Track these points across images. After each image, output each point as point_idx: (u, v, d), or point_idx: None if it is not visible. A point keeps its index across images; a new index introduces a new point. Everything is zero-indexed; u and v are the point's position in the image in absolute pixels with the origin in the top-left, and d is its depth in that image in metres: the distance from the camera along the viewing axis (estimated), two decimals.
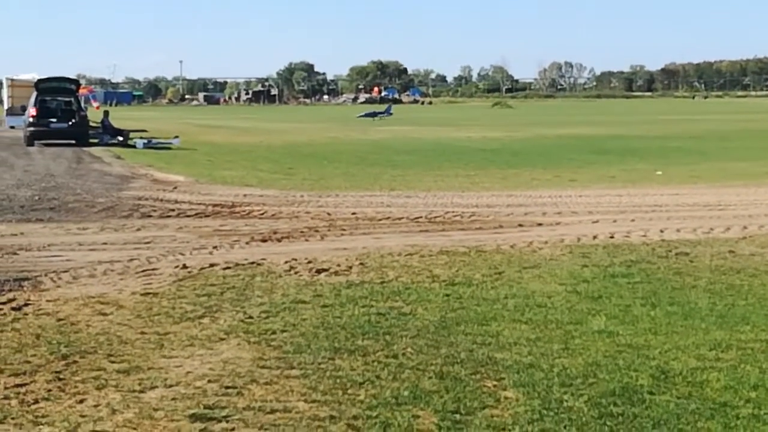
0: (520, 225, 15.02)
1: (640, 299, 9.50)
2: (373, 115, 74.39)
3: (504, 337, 8.05)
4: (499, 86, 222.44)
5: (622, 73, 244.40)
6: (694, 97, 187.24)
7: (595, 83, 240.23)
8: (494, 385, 6.79)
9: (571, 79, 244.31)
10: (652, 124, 58.99)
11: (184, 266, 11.31)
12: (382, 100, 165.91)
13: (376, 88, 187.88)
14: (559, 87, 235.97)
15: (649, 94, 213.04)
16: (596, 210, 16.81)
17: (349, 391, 6.65)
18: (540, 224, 15.11)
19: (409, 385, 6.78)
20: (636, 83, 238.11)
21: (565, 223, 15.16)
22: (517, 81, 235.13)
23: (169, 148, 35.64)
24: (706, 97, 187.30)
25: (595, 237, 13.60)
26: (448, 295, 9.72)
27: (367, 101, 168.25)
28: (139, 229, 14.56)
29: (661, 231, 14.13)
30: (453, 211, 16.55)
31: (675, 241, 13.24)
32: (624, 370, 7.13)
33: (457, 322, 8.61)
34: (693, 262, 11.60)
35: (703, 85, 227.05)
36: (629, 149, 34.92)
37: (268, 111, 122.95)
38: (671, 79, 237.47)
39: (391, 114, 75.64)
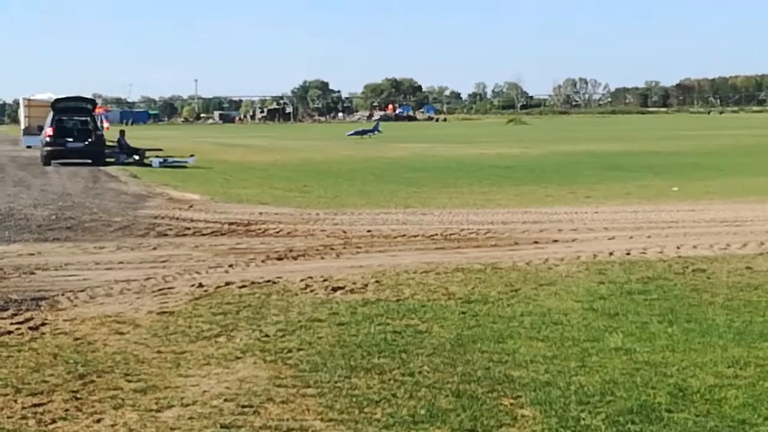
0: (536, 242, 14.99)
1: (657, 316, 9.46)
2: (363, 133, 74.42)
3: (520, 355, 8.03)
4: (514, 103, 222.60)
5: (637, 89, 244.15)
6: (709, 113, 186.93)
7: (610, 99, 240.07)
8: (511, 403, 6.77)
9: (586, 96, 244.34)
10: (667, 140, 58.84)
11: (200, 285, 11.34)
12: (397, 118, 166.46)
13: (390, 106, 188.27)
14: (573, 103, 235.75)
15: (664, 109, 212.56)
16: (612, 226, 16.77)
17: (366, 410, 6.64)
18: (556, 241, 15.08)
19: (425, 403, 6.77)
20: (651, 99, 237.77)
21: (581, 240, 15.13)
22: (531, 97, 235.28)
23: (185, 167, 35.77)
24: (721, 113, 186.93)
25: (611, 253, 13.56)
26: (464, 313, 9.70)
27: (382, 119, 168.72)
28: (155, 248, 14.60)
29: (678, 247, 14.07)
30: (468, 229, 16.54)
31: (692, 257, 13.18)
32: (641, 387, 7.09)
33: (473, 339, 8.59)
34: (710, 279, 11.55)
35: (718, 101, 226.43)
36: (645, 165, 34.85)
37: (283, 129, 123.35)
38: (686, 95, 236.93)
39: (380, 132, 75.41)
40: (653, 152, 44.18)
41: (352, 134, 74.71)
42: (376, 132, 75.01)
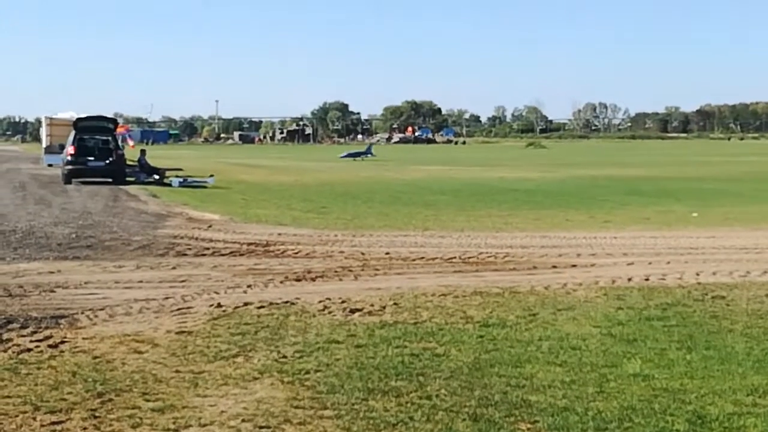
0: (554, 266, 14.97)
1: (676, 343, 9.43)
2: (356, 155, 74.17)
3: (538, 380, 8.01)
4: (533, 126, 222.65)
5: (657, 114, 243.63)
6: (729, 139, 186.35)
7: (629, 124, 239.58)
8: (528, 428, 6.76)
9: (606, 120, 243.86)
10: (687, 166, 58.70)
11: (219, 305, 11.37)
12: (416, 140, 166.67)
13: (410, 128, 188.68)
14: (593, 127, 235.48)
15: (684, 135, 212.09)
16: (631, 252, 16.72)
17: None
18: (574, 266, 15.05)
19: (442, 427, 6.76)
20: (671, 124, 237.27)
21: (599, 265, 15.09)
22: (551, 121, 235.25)
23: (205, 187, 35.93)
24: (742, 139, 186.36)
25: (630, 279, 13.52)
26: (481, 337, 9.69)
27: (401, 141, 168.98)
28: (174, 268, 14.66)
29: (697, 274, 14.01)
30: (487, 252, 16.53)
31: (711, 284, 13.13)
32: (660, 414, 7.07)
33: (491, 363, 8.58)
34: (729, 306, 11.50)
35: (738, 127, 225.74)
36: (664, 191, 34.75)
37: (302, 150, 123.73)
38: (707, 121, 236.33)
39: (373, 155, 74.91)
40: (673, 178, 44.06)
41: (344, 156, 74.25)
42: (369, 155, 74.46)
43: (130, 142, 58.68)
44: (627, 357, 8.82)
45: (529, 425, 6.82)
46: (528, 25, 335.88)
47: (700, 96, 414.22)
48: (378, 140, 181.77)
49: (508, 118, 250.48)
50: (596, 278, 13.57)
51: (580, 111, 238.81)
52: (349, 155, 74.65)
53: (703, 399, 7.47)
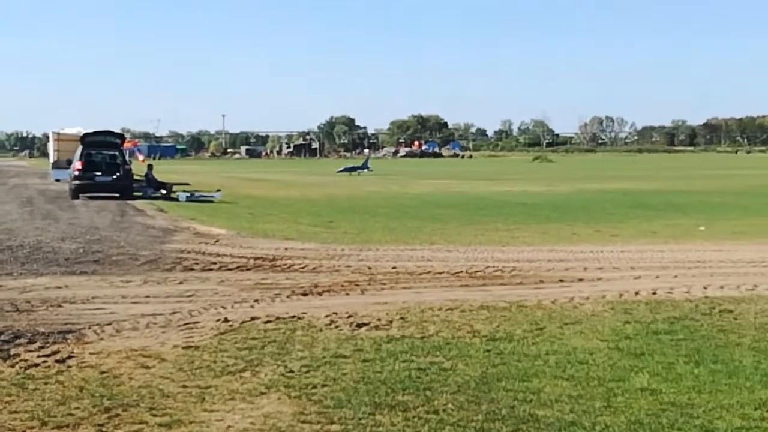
0: (561, 280, 14.96)
1: (684, 357, 9.41)
2: (352, 169, 73.97)
3: (545, 394, 8.00)
4: (540, 140, 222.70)
5: (663, 127, 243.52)
6: (736, 152, 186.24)
7: (636, 137, 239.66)
8: None
9: (612, 134, 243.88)
10: (694, 179, 58.65)
11: (226, 320, 11.38)
12: (423, 154, 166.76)
13: (416, 142, 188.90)
14: (600, 141, 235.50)
15: (691, 148, 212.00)
16: (638, 266, 16.70)
17: None
18: (581, 279, 15.04)
19: None
20: (678, 138, 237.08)
21: (606, 279, 15.08)
22: (557, 135, 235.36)
23: (212, 202, 36.00)
24: (749, 152, 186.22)
25: (637, 293, 13.50)
26: (488, 351, 9.68)
27: (408, 155, 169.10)
28: (181, 282, 14.68)
29: (705, 287, 13.99)
30: (494, 266, 16.52)
31: (719, 297, 13.10)
32: (667, 428, 7.05)
33: (498, 378, 8.57)
34: (737, 320, 11.47)
35: (745, 140, 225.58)
36: (671, 204, 34.73)
37: (309, 164, 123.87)
38: (713, 134, 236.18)
39: (369, 169, 74.49)
40: (680, 191, 44.03)
41: (341, 171, 73.94)
42: (366, 169, 73.99)
43: (140, 157, 58.90)
44: (634, 371, 8.80)
45: None
46: (534, 39, 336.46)
47: (706, 109, 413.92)
48: (384, 154, 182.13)
49: (515, 131, 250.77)
50: (603, 292, 13.55)
51: (586, 124, 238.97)
52: (346, 170, 74.41)
53: (711, 413, 7.45)
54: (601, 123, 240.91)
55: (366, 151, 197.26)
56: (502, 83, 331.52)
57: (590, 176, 65.54)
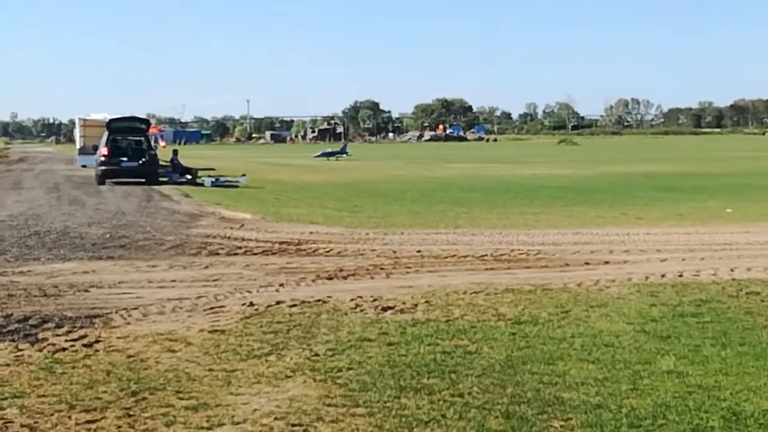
0: (587, 263, 14.90)
1: (710, 339, 9.36)
2: (330, 154, 73.50)
3: (571, 377, 7.98)
4: (565, 123, 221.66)
5: (690, 109, 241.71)
6: (764, 134, 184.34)
7: (662, 120, 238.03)
8: (561, 426, 6.73)
9: (638, 116, 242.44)
10: (721, 161, 58.21)
11: (251, 304, 11.42)
12: (447, 138, 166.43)
13: (440, 126, 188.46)
14: (625, 124, 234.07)
15: (718, 130, 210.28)
16: (664, 248, 16.61)
17: (415, 430, 6.65)
18: (607, 262, 14.97)
19: (475, 424, 6.75)
20: (704, 120, 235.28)
21: (632, 262, 15.00)
22: (583, 118, 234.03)
23: (237, 186, 36.08)
24: None
25: (663, 276, 13.43)
26: (514, 334, 9.67)
27: (432, 139, 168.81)
28: (207, 267, 14.74)
29: (732, 270, 13.90)
30: (519, 249, 16.48)
31: (746, 280, 13.01)
32: (694, 411, 7.02)
33: (523, 361, 8.56)
34: (764, 302, 11.40)
35: None
36: (698, 186, 34.49)
37: (333, 149, 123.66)
38: (740, 116, 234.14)
39: (348, 154, 74.18)
40: (706, 174, 43.72)
41: (318, 156, 73.41)
42: (344, 154, 73.49)
43: (162, 143, 59.07)
44: (661, 354, 8.77)
45: (562, 422, 6.80)
46: (558, 21, 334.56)
47: (733, 91, 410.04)
48: (409, 138, 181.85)
49: (540, 114, 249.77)
50: (629, 275, 13.49)
51: (612, 107, 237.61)
52: (324, 154, 73.69)
53: (738, 396, 7.41)
54: (626, 105, 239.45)
55: (390, 135, 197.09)
56: (527, 66, 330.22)
57: (616, 159, 65.21)
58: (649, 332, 9.70)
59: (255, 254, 16.24)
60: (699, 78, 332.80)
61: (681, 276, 13.40)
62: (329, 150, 79.16)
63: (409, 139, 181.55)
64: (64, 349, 9.20)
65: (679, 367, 8.28)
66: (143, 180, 36.58)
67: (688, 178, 40.28)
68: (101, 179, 36.95)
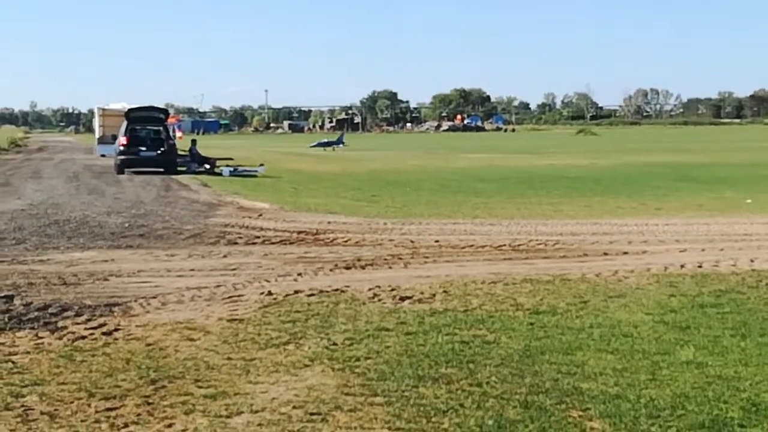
0: (606, 253, 14.86)
1: (730, 330, 9.32)
2: (326, 144, 73.25)
3: (589, 367, 7.96)
4: (584, 113, 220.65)
5: (709, 99, 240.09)
6: None
7: (681, 110, 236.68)
8: (580, 416, 6.72)
9: (657, 106, 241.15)
10: (740, 152, 57.86)
11: (270, 293, 11.44)
12: (465, 128, 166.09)
13: (458, 116, 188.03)
14: (644, 114, 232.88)
15: (737, 121, 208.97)
16: (684, 239, 16.55)
17: (433, 420, 6.65)
18: (626, 253, 14.92)
19: (493, 414, 6.75)
20: (724, 110, 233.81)
21: (651, 252, 14.95)
22: (601, 108, 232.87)
23: (255, 176, 36.16)
24: None
25: (682, 266, 13.38)
26: (532, 324, 9.65)
27: (450, 129, 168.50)
28: (225, 256, 14.77)
29: (752, 260, 13.83)
30: (537, 239, 16.45)
31: (766, 270, 12.94)
32: (713, 402, 6.99)
33: (541, 351, 8.54)
34: None
35: None
36: (717, 177, 34.31)
37: (351, 139, 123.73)
38: (761, 106, 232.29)
39: (345, 144, 73.95)
40: (726, 164, 43.48)
41: (314, 146, 73.15)
42: (340, 144, 73.24)
43: (179, 133, 59.14)
44: (680, 344, 8.74)
45: (580, 412, 6.78)
46: (577, 11, 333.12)
47: (754, 81, 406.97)
48: (427, 128, 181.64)
49: (558, 105, 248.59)
50: (648, 265, 13.44)
51: (631, 97, 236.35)
52: (320, 144, 73.45)
53: (758, 386, 7.38)
54: (645, 95, 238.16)
55: (408, 125, 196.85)
56: (546, 56, 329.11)
57: (634, 149, 64.94)
58: (668, 323, 9.66)
59: (273, 243, 16.27)
60: (719, 68, 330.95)
61: (700, 266, 13.34)
62: (325, 140, 78.92)
63: (427, 129, 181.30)
64: (83, 338, 9.26)
65: (699, 357, 8.25)
66: (162, 169, 36.67)
67: (707, 168, 40.07)
68: (120, 168, 37.08)
